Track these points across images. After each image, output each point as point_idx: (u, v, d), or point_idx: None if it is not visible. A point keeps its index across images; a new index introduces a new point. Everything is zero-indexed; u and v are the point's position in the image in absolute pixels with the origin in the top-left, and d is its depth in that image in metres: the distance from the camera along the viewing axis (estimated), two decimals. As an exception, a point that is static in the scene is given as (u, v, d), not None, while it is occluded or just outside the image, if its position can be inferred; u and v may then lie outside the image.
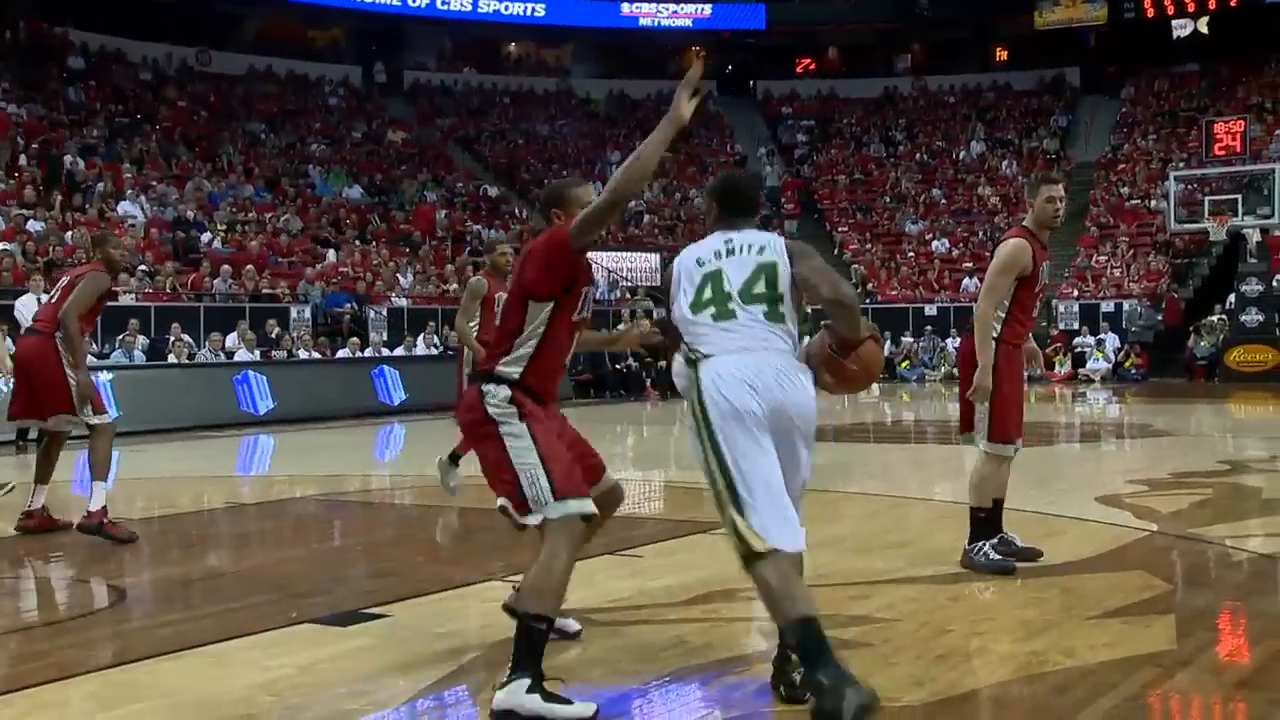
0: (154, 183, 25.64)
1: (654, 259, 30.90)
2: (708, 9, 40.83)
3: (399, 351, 21.13)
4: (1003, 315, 6.35)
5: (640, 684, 4.50)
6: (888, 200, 36.30)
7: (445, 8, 38.50)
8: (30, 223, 20.71)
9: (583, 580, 6.40)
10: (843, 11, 40.92)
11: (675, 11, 40.78)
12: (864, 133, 39.82)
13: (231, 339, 19.18)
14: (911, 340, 28.76)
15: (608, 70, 42.04)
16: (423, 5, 38.16)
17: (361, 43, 39.18)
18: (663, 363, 23.31)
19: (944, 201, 35.59)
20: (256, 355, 19.01)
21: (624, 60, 42.29)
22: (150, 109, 30.52)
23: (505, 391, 4.49)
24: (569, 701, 4.05)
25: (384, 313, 22.60)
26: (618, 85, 41.17)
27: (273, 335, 19.98)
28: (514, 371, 4.55)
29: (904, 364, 28.39)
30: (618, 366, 23.30)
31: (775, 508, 4.02)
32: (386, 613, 5.66)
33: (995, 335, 6.37)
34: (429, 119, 37.53)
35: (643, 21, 40.81)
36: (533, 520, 4.26)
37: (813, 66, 43.66)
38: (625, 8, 40.24)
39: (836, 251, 34.09)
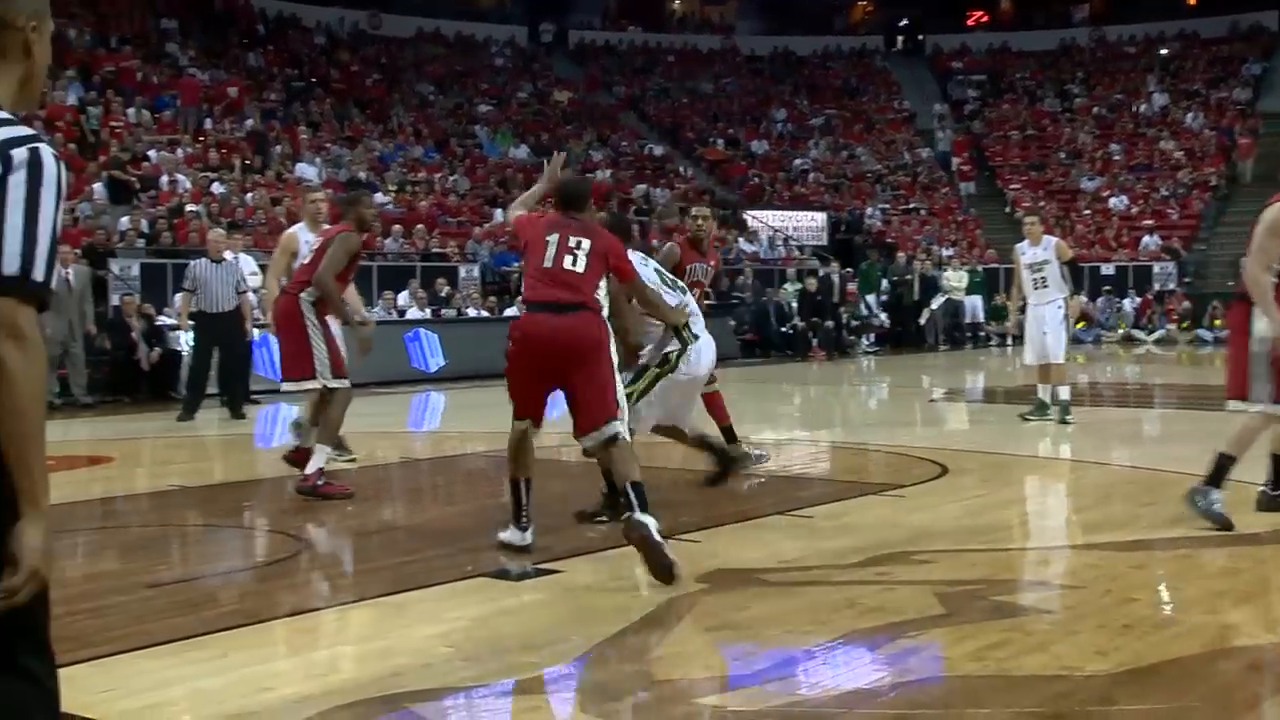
0: (328, 144, 26.31)
1: (820, 218, 30.56)
2: (875, -39, 40.03)
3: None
4: (1274, 279, 6.23)
5: (813, 645, 4.45)
6: (1063, 156, 35.14)
7: (610, -34, 38.55)
8: (214, 185, 21.46)
9: (753, 540, 6.39)
10: (1017, -39, 39.69)
11: (843, -35, 40.08)
12: (1038, 87, 38.56)
13: (403, 297, 19.60)
14: (1086, 300, 27.84)
15: (772, 26, 41.56)
16: (588, -35, 38.27)
17: (528, 3, 39.48)
18: (829, 322, 23.07)
19: (1122, 156, 34.31)
20: (427, 313, 19.39)
21: (789, 16, 41.73)
22: (324, 72, 31.30)
23: None
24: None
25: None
26: (782, 42, 40.67)
27: (443, 294, 20.35)
28: None
29: (1079, 325, 27.52)
30: (783, 328, 23.13)
31: None
32: (558, 568, 5.71)
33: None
34: (594, 78, 37.67)
35: (808, -24, 40.24)
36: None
37: (984, 19, 42.45)
38: (790, -38, 39.71)
39: (1009, 209, 33.18)
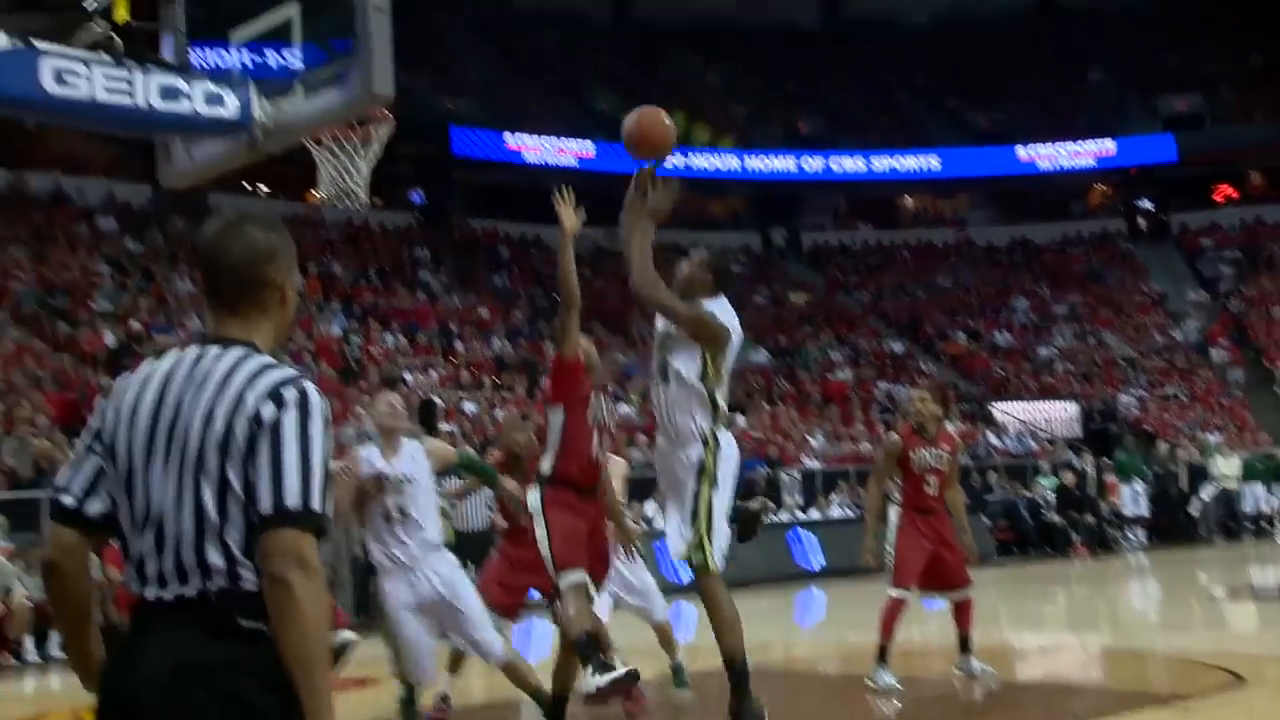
0: (573, 359, 27.05)
1: (1071, 407, 29.58)
2: (1112, 145, 39.31)
3: (814, 514, 20.99)
4: None
5: None
6: (1336, 330, 33.16)
7: (840, 170, 39.13)
8: (465, 404, 22.25)
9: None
10: (1264, 133, 38.19)
11: (1076, 151, 39.51)
12: (1300, 258, 36.74)
13: (649, 507, 19.65)
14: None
15: (1007, 216, 41.19)
16: (818, 170, 38.95)
17: (759, 210, 40.33)
18: (1090, 517, 21.96)
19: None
20: (673, 521, 19.37)
21: (1024, 205, 41.32)
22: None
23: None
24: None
25: (796, 475, 22.59)
26: (1018, 231, 40.19)
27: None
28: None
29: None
30: (1040, 523, 22.14)
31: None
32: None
33: None
34: (829, 279, 37.92)
35: (1041, 165, 39.81)
36: None
37: (1234, 194, 41.04)
38: (1022, 152, 39.42)
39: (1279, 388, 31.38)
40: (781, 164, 38.84)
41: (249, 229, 2.58)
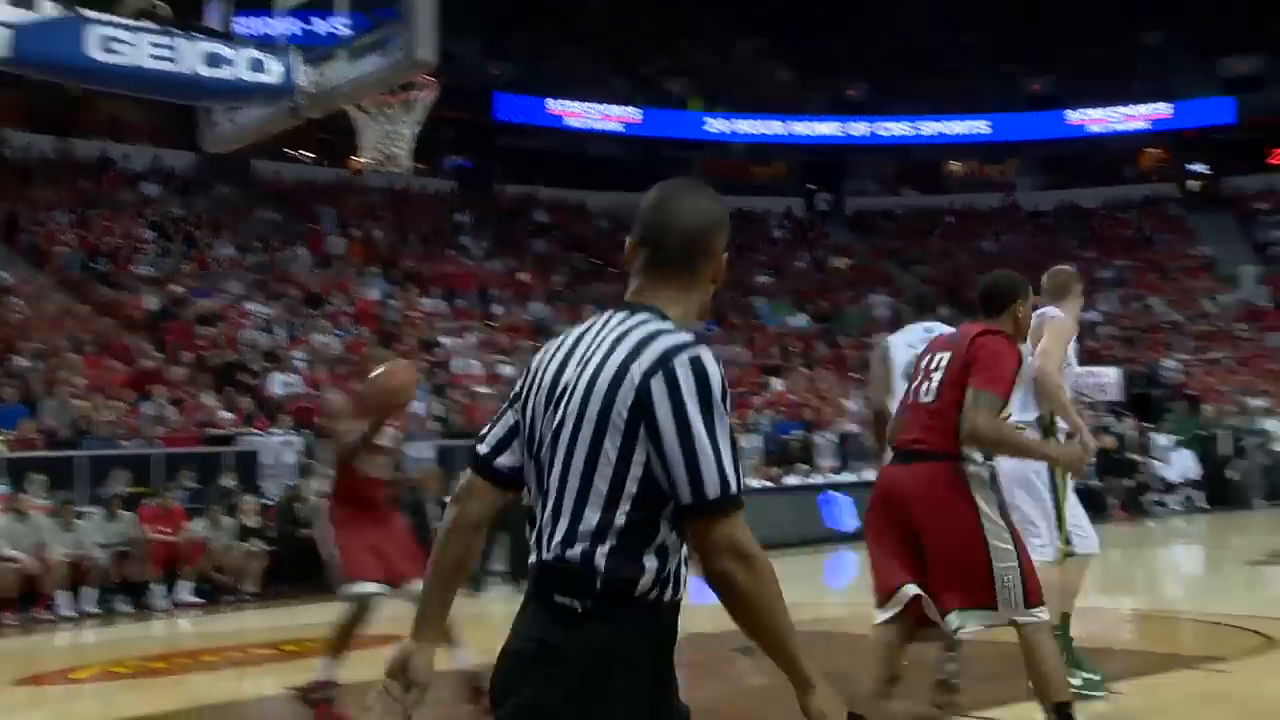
0: (613, 323, 27.10)
1: (1113, 374, 29.19)
2: (1168, 109, 38.67)
3: (848, 476, 20.91)
4: None
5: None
6: (1390, 293, 32.57)
7: (886, 133, 38.79)
8: (503, 367, 22.30)
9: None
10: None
11: (1129, 114, 38.91)
12: (1354, 221, 36.08)
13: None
14: None
15: (1055, 181, 40.68)
16: (864, 134, 38.65)
17: (803, 174, 40.08)
18: (1129, 481, 21.70)
19: None
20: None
21: (1072, 169, 40.79)
22: (607, 254, 32.46)
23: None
24: None
25: (832, 438, 22.52)
26: (1068, 196, 39.70)
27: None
28: None
29: None
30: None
31: None
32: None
33: None
34: (872, 244, 37.67)
35: (1091, 129, 39.27)
36: None
37: (1290, 158, 40.24)
38: (1072, 115, 38.90)
39: (1329, 355, 30.85)
40: (826, 129, 38.56)
41: (701, 196, 2.61)
